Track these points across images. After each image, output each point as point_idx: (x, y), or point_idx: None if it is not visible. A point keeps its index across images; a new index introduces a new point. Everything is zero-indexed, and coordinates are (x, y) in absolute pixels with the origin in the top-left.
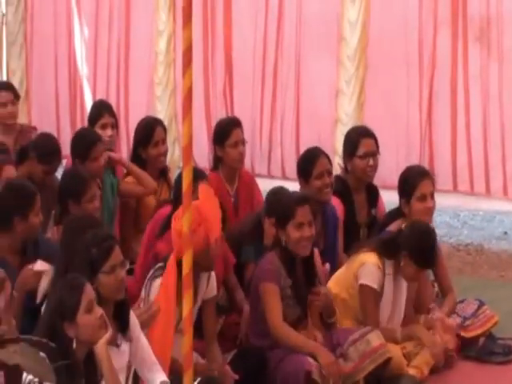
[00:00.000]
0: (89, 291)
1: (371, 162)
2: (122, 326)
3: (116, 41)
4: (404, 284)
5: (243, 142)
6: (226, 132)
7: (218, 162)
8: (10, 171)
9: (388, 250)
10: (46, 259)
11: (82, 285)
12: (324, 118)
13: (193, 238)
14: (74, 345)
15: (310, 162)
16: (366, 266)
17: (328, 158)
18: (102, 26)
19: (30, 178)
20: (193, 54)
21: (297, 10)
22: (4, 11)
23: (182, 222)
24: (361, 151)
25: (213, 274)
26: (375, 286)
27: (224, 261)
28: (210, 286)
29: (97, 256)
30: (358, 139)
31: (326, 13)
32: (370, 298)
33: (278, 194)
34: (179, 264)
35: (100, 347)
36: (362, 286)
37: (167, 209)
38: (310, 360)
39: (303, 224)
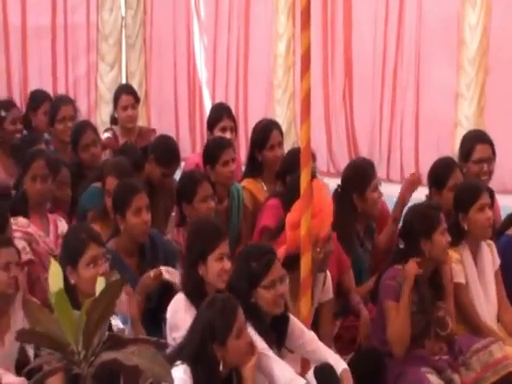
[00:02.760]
0: (240, 316)
1: (485, 167)
2: (279, 339)
3: (235, 44)
4: (487, 262)
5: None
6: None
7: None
8: None
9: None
10: (165, 262)
11: (235, 309)
12: (443, 121)
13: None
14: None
15: (445, 172)
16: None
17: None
18: (222, 30)
19: (148, 180)
20: (312, 57)
21: (417, 13)
22: (123, 14)
23: (296, 214)
24: (475, 156)
25: (329, 275)
26: (463, 280)
27: (338, 263)
28: (326, 287)
29: (257, 270)
30: (473, 144)
31: (446, 16)
32: (462, 294)
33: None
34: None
35: (247, 371)
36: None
37: (274, 201)
38: (430, 376)
39: (445, 230)
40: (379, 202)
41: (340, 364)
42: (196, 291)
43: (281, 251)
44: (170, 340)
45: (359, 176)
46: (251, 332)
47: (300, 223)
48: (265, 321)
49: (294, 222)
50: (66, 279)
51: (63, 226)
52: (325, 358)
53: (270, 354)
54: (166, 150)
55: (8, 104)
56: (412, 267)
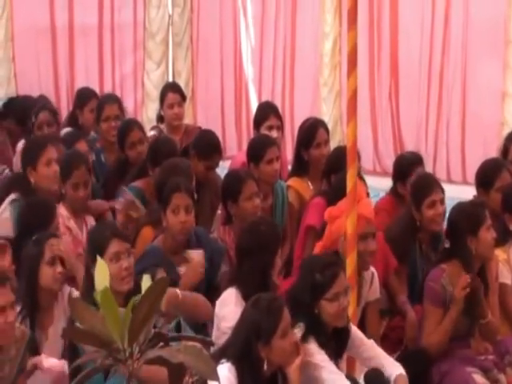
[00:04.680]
0: (286, 316)
1: None
2: (339, 350)
3: (282, 42)
4: None
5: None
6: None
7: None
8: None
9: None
10: (211, 260)
11: (281, 309)
12: (490, 120)
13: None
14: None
15: (492, 172)
16: (499, 264)
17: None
18: (268, 28)
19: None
20: (358, 56)
21: (463, 12)
22: (170, 12)
23: (335, 208)
24: None
25: (376, 275)
26: (509, 281)
27: (384, 262)
28: (373, 287)
29: (320, 282)
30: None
31: (493, 16)
32: (508, 294)
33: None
34: None
35: (293, 371)
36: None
37: (319, 199)
38: (475, 376)
39: (490, 226)
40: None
41: (396, 369)
42: (251, 290)
43: (318, 245)
44: (215, 332)
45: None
46: (312, 344)
47: (336, 217)
48: (327, 332)
49: (331, 215)
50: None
51: (92, 222)
52: (381, 365)
53: (328, 365)
54: (206, 143)
55: (39, 108)
56: (463, 289)
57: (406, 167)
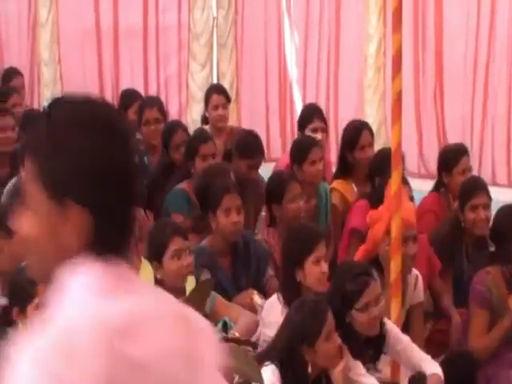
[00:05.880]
0: (330, 319)
1: None
2: (375, 355)
3: (326, 44)
4: None
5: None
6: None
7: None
8: None
9: None
10: (257, 263)
11: (325, 312)
12: None
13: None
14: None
15: None
16: None
17: None
18: (312, 30)
19: (235, 177)
20: (403, 57)
21: (509, 11)
22: (215, 14)
23: (377, 211)
24: None
25: (420, 277)
26: None
27: (429, 265)
28: (418, 289)
29: (350, 292)
30: None
31: None
32: None
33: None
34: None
35: (336, 375)
36: None
37: (363, 202)
38: None
39: None
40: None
41: (431, 367)
42: (294, 297)
43: (361, 248)
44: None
45: None
46: (350, 359)
47: (377, 220)
48: (360, 340)
49: (372, 218)
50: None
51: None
52: (418, 365)
53: (365, 380)
54: (248, 142)
55: None
56: None
57: (451, 157)
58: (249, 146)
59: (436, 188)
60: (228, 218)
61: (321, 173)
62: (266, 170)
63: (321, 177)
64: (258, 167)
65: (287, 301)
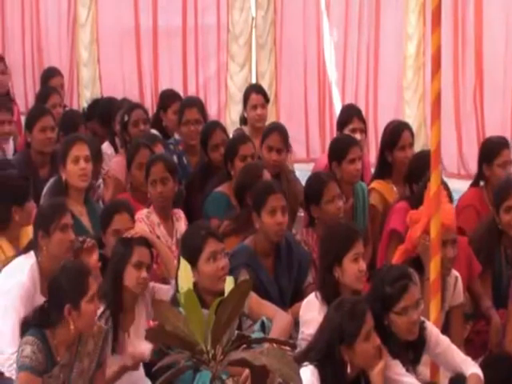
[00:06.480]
0: (369, 319)
1: None
2: (415, 358)
3: (365, 44)
4: None
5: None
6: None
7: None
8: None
9: None
10: (299, 264)
11: (364, 312)
12: None
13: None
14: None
15: None
16: None
17: None
18: (352, 30)
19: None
20: (442, 57)
21: None
22: (254, 15)
23: (417, 211)
24: None
25: (460, 279)
26: None
27: (468, 267)
28: (457, 291)
29: (390, 295)
30: None
31: None
32: None
33: None
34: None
35: (376, 375)
36: None
37: (403, 204)
38: None
39: None
40: None
41: (471, 367)
42: (332, 295)
43: (400, 249)
44: (298, 336)
45: None
46: (389, 358)
47: (416, 221)
48: (399, 343)
49: (411, 219)
50: None
51: (180, 226)
52: (459, 367)
53: (405, 379)
54: (274, 133)
55: (130, 107)
56: None
57: (493, 148)
58: (275, 136)
59: (475, 182)
60: (273, 218)
61: (359, 172)
62: (305, 171)
63: (359, 176)
64: (284, 160)
65: (325, 298)
